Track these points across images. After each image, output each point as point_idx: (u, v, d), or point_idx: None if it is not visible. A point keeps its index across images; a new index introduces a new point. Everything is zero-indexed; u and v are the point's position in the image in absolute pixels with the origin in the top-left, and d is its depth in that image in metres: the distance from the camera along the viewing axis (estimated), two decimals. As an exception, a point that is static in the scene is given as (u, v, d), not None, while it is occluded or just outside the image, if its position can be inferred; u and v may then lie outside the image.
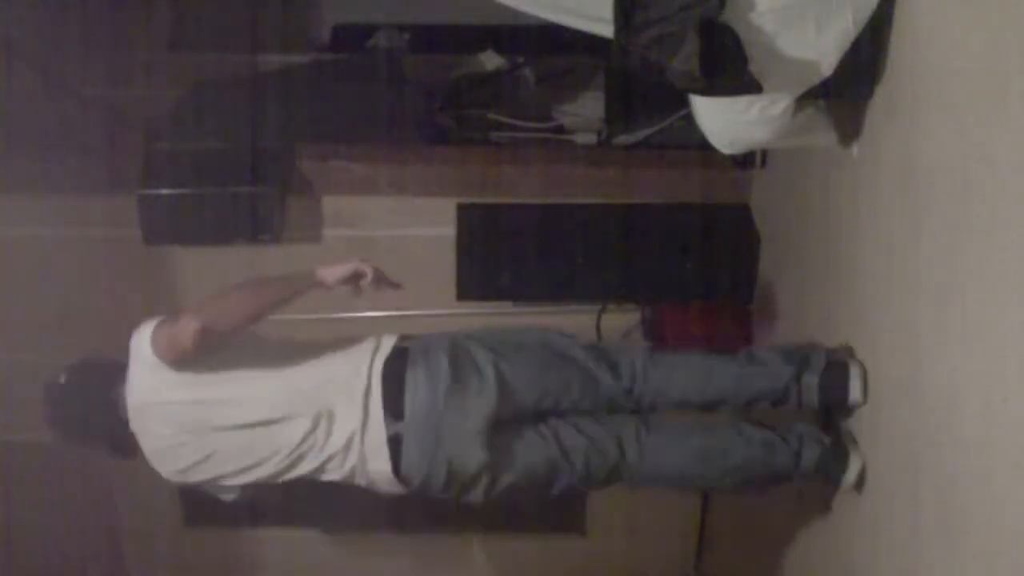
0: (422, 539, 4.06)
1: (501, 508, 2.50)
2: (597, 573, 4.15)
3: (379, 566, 4.15)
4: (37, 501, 3.68)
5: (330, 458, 2.26)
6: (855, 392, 2.30)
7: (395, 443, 2.23)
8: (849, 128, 2.37)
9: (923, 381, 1.98)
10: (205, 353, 2.15)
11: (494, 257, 3.48)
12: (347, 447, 2.24)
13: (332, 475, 2.29)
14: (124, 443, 2.32)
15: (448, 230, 3.46)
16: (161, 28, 3.71)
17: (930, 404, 1.95)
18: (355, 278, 2.30)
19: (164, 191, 3.30)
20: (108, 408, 2.32)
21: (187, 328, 2.09)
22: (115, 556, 4.05)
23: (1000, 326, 1.66)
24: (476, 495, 2.30)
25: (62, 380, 2.37)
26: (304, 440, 2.23)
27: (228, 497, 2.39)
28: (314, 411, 2.23)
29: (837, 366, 2.33)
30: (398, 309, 3.34)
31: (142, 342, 2.20)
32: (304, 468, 2.27)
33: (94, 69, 3.50)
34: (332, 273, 2.27)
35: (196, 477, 2.31)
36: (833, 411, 2.42)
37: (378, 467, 2.25)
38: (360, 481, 2.31)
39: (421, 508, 2.39)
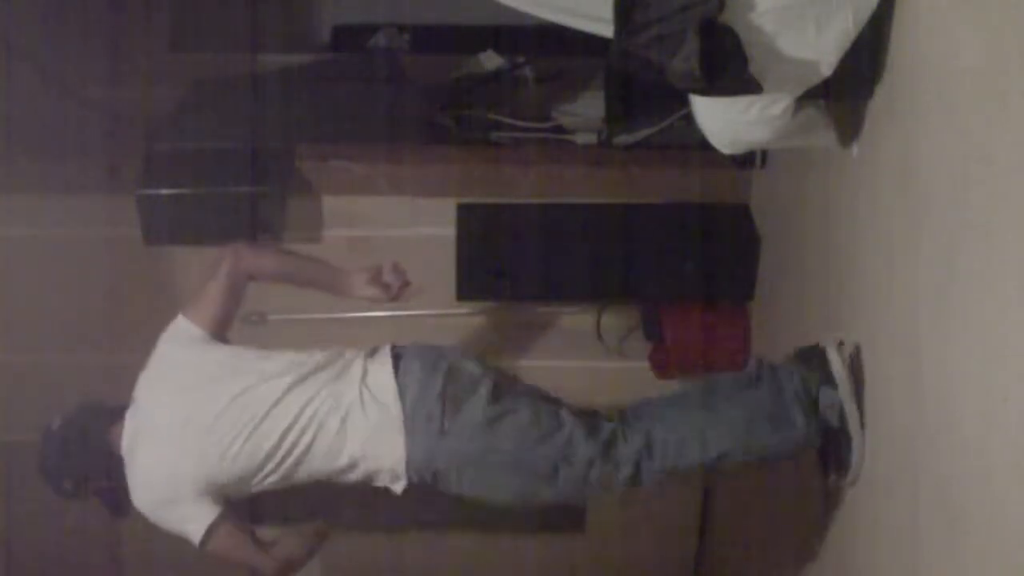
0: (422, 538, 4.06)
1: (501, 508, 2.49)
2: (597, 573, 4.15)
3: (378, 566, 4.14)
4: (37, 501, 3.67)
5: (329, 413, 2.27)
6: (836, 366, 2.28)
7: (396, 357, 2.34)
8: (849, 128, 2.37)
9: (923, 381, 1.98)
10: (235, 305, 2.40)
11: (494, 257, 3.47)
12: (351, 406, 2.28)
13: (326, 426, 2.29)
14: (119, 492, 2.31)
15: (448, 230, 3.46)
16: (161, 28, 3.70)
17: (930, 404, 1.95)
18: (378, 278, 2.45)
19: (164, 191, 3.29)
20: (105, 454, 2.30)
21: (230, 249, 2.39)
22: (114, 556, 4.05)
23: (1000, 326, 1.66)
24: (475, 414, 2.25)
25: (57, 425, 2.35)
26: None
27: (195, 531, 2.34)
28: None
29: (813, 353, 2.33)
30: (398, 309, 3.34)
31: (169, 329, 2.35)
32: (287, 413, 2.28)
33: (94, 69, 3.49)
34: (360, 281, 2.45)
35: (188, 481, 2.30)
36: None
37: (379, 380, 2.29)
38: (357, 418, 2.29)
39: (421, 507, 2.38)
